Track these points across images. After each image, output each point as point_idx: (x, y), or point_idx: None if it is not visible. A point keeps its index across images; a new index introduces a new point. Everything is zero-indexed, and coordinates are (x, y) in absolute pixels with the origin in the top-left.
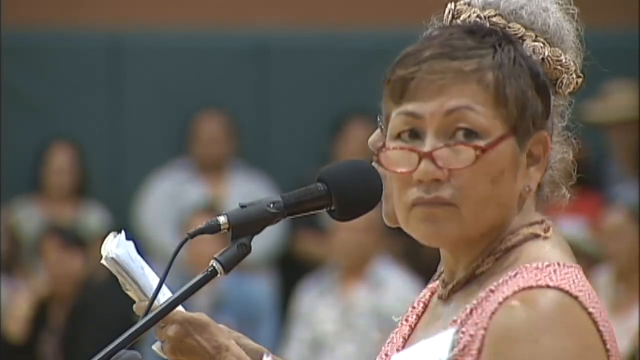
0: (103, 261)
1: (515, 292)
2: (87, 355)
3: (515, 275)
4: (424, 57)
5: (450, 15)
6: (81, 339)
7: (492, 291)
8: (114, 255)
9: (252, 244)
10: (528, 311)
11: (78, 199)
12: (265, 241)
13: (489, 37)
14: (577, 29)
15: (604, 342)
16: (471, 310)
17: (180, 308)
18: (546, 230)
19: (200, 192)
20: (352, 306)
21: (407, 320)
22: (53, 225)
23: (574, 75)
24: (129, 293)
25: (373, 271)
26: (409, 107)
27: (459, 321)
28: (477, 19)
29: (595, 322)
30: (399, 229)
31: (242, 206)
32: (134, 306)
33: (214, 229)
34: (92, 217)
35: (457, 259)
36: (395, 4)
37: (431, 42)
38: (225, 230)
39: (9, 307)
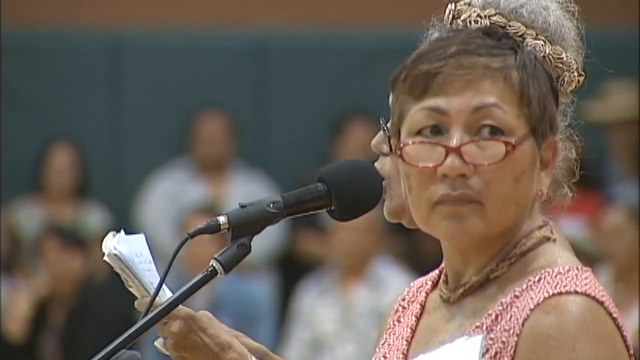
0: (106, 258)
1: (545, 299)
2: (87, 355)
3: (539, 281)
4: (450, 53)
5: (450, 16)
6: (81, 339)
7: (517, 297)
8: (117, 252)
9: (252, 244)
10: (561, 318)
11: (78, 199)
12: (265, 241)
13: (505, 39)
14: (578, 27)
15: (627, 348)
16: (496, 316)
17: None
18: (552, 232)
19: (201, 192)
20: (352, 306)
21: (399, 321)
22: (53, 225)
23: (576, 74)
24: (131, 290)
25: (373, 271)
26: (433, 102)
27: (484, 327)
28: (478, 18)
29: (619, 328)
30: (399, 228)
31: (242, 206)
32: (136, 302)
33: (214, 229)
34: (93, 217)
35: (467, 261)
36: (395, 4)
37: (452, 40)
38: (225, 230)
39: (9, 307)
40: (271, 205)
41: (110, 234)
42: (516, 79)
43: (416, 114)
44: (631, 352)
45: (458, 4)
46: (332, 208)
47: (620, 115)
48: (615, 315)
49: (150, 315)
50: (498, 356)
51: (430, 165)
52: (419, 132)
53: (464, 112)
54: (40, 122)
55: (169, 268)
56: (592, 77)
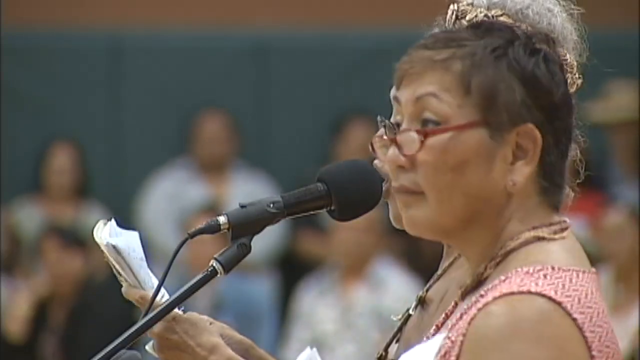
0: (103, 247)
1: (495, 298)
2: (87, 355)
3: (505, 280)
4: (412, 48)
5: (454, 16)
6: (81, 339)
7: (482, 296)
8: (114, 243)
9: (252, 244)
10: (503, 318)
11: (78, 199)
12: (265, 241)
13: (497, 32)
14: (579, 30)
15: (589, 349)
16: (461, 315)
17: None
18: (557, 232)
19: (201, 192)
20: (352, 306)
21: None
22: (53, 225)
23: (577, 76)
24: (122, 281)
25: (373, 271)
26: (393, 92)
27: (450, 325)
28: (485, 19)
29: (579, 329)
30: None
31: (242, 206)
32: (122, 289)
33: (214, 229)
34: (93, 217)
35: (468, 262)
36: (395, 4)
37: (432, 34)
38: (225, 230)
39: (9, 307)
40: (271, 205)
41: (101, 222)
42: (457, 68)
43: (394, 109)
44: (595, 352)
45: (460, 4)
46: (332, 208)
47: (621, 115)
48: (577, 315)
49: (150, 315)
50: (447, 355)
51: (384, 159)
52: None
53: (409, 103)
54: (40, 122)
55: (169, 268)
56: (593, 78)
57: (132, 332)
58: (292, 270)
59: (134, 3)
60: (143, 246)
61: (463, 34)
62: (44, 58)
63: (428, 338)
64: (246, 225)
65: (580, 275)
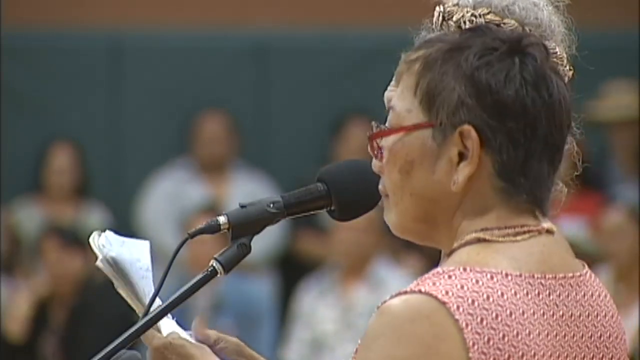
0: (99, 262)
1: (392, 296)
2: (87, 355)
3: (419, 279)
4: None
5: (440, 17)
6: (81, 339)
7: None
8: (114, 255)
9: (252, 244)
10: (379, 317)
11: (79, 199)
12: (265, 241)
13: (487, 37)
14: (566, 21)
15: (468, 349)
16: None
17: (170, 327)
18: (508, 236)
19: (201, 192)
20: (352, 306)
21: None
22: (53, 225)
23: (567, 67)
24: (120, 292)
25: (373, 271)
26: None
27: None
28: (473, 18)
29: (460, 329)
30: None
31: (242, 206)
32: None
33: (213, 229)
34: (93, 217)
35: None
36: (395, 4)
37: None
38: (225, 230)
39: (9, 307)
40: (271, 205)
41: (95, 234)
42: (414, 70)
43: None
44: (474, 355)
45: (446, 5)
46: (332, 208)
47: (621, 115)
48: (458, 317)
49: (150, 315)
50: (355, 352)
51: None
52: None
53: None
54: (40, 122)
55: (169, 268)
56: (592, 77)
57: (132, 332)
58: (292, 270)
59: (134, 3)
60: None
61: (449, 37)
62: (44, 58)
63: None
64: (246, 225)
65: (495, 277)
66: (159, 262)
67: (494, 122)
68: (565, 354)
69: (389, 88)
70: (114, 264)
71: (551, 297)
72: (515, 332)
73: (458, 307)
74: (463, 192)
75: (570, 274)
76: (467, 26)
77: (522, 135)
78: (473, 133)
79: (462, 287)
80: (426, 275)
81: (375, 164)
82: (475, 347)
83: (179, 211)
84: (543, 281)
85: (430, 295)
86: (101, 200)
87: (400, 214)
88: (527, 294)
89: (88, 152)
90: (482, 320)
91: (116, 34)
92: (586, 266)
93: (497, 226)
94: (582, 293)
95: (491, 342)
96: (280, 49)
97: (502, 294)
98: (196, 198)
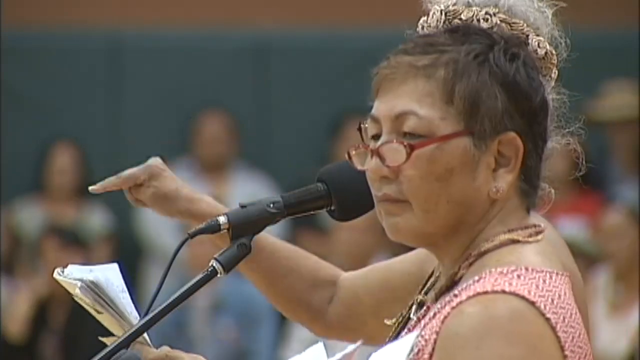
0: (77, 291)
1: (469, 297)
2: (87, 355)
3: (479, 280)
4: (392, 53)
5: (443, 17)
6: (81, 339)
7: (455, 296)
8: (92, 279)
9: (252, 244)
10: (476, 316)
11: (80, 199)
12: None
13: (475, 36)
14: (560, 20)
15: (562, 348)
16: (435, 314)
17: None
18: (532, 236)
19: (202, 192)
20: None
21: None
22: (53, 225)
23: (555, 67)
24: (100, 318)
25: None
26: (374, 107)
27: (422, 324)
28: (487, 16)
29: (552, 328)
30: None
31: (242, 206)
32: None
33: (213, 228)
34: (94, 217)
35: (442, 265)
36: (395, 4)
37: (410, 39)
38: (225, 230)
39: (9, 307)
40: (271, 205)
41: (58, 269)
42: (440, 75)
43: (368, 121)
44: (567, 352)
45: (446, 5)
46: (332, 208)
47: (621, 115)
48: (549, 315)
49: (150, 315)
50: (420, 353)
51: (362, 168)
52: (373, 138)
53: (387, 119)
54: (40, 122)
55: (168, 268)
56: (592, 77)
57: (132, 332)
58: None
59: (133, 3)
60: (124, 275)
61: (441, 38)
62: (44, 58)
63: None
64: (246, 225)
65: (554, 276)
66: (159, 262)
67: (527, 128)
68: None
69: (383, 95)
70: (95, 287)
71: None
72: (582, 330)
73: (545, 306)
74: (494, 199)
75: (567, 273)
76: (481, 25)
77: (540, 138)
78: (519, 141)
79: (537, 286)
80: (493, 277)
81: (380, 170)
82: (567, 345)
83: None
84: (567, 279)
85: (517, 295)
86: (102, 201)
87: (428, 221)
88: (569, 292)
89: (88, 152)
90: (564, 318)
91: (116, 34)
92: None
93: (520, 227)
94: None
95: (574, 341)
96: (280, 49)
97: (565, 293)
98: None
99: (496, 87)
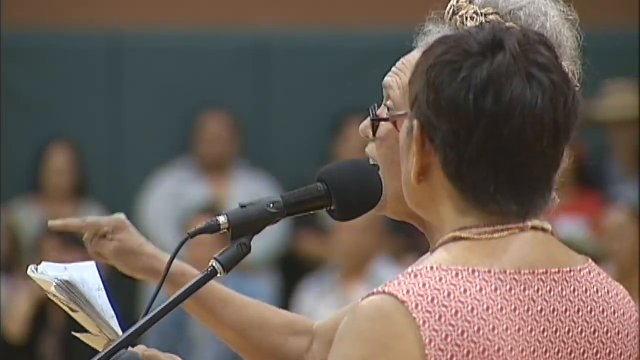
0: (53, 289)
1: (363, 298)
2: (87, 355)
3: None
4: None
5: (451, 11)
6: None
7: None
8: (66, 278)
9: (252, 244)
10: (348, 317)
11: (78, 199)
12: (266, 241)
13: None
14: (577, 37)
15: (423, 347)
16: None
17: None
18: (485, 233)
19: (203, 191)
20: None
21: None
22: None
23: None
24: (75, 316)
25: (373, 271)
26: None
27: None
28: (474, 15)
29: (418, 327)
30: (399, 227)
31: (242, 206)
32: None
33: (214, 228)
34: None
35: None
36: (395, 4)
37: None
38: (225, 230)
39: (9, 307)
40: (271, 205)
41: (32, 267)
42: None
43: None
44: (432, 351)
45: (460, 0)
46: (332, 208)
47: (621, 115)
48: (415, 315)
49: (150, 315)
50: None
51: None
52: None
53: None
54: (39, 122)
55: (169, 268)
56: (592, 77)
57: (132, 332)
58: (293, 270)
59: (133, 3)
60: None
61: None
62: (44, 58)
63: None
64: (246, 225)
65: (461, 274)
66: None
67: (435, 121)
68: (544, 349)
69: None
70: (69, 286)
71: (527, 292)
72: (476, 327)
73: (417, 306)
74: (425, 187)
75: (555, 270)
76: (469, 23)
77: (454, 138)
78: (416, 129)
79: (424, 285)
80: (398, 276)
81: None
82: (432, 344)
83: (180, 211)
84: (517, 277)
85: (392, 295)
86: (101, 201)
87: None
88: (496, 289)
89: (88, 152)
90: (440, 317)
91: (116, 34)
92: (589, 263)
93: (477, 225)
94: (572, 288)
95: (449, 339)
96: (280, 49)
97: (465, 291)
98: (198, 198)
99: (420, 75)
